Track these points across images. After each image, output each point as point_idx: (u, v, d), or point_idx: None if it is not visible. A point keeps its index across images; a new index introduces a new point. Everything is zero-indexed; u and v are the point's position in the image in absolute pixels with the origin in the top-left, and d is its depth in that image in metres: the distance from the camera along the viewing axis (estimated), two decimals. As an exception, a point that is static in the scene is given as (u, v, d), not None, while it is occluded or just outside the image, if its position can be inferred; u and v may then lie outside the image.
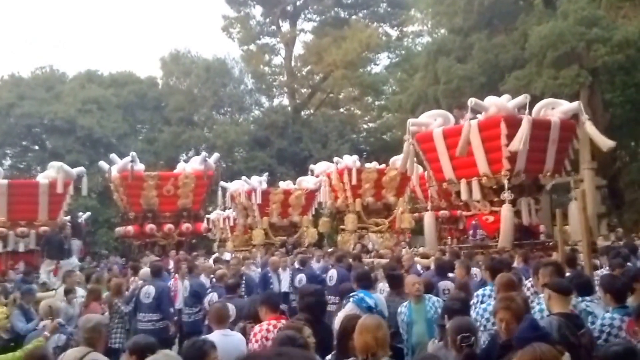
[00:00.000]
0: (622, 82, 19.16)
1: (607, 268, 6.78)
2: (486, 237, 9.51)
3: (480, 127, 9.19)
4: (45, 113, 26.44)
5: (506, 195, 9.14)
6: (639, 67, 17.52)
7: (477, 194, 9.40)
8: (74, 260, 11.49)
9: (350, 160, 15.45)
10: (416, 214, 15.81)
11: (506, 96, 9.92)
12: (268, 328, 4.06)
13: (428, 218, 10.77)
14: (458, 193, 9.95)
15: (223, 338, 4.09)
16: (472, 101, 9.12)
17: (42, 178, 13.59)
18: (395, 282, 5.49)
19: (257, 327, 4.16)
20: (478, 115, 9.60)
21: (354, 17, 32.42)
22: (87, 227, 16.58)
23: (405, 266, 7.96)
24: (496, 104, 9.39)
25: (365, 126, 32.65)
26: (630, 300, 4.09)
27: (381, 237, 14.84)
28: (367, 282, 5.22)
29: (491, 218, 9.45)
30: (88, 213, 16.67)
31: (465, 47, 18.98)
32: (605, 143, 9.91)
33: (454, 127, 9.79)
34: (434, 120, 10.09)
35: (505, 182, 9.16)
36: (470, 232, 9.82)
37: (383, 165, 15.69)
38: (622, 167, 20.14)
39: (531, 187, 9.80)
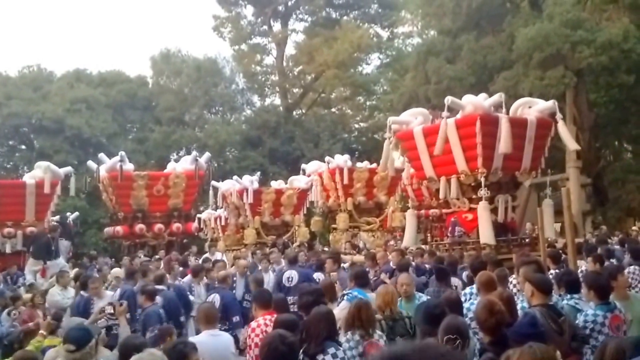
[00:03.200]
0: (606, 82, 19.51)
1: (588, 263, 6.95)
2: (464, 234, 9.55)
3: (457, 125, 9.23)
4: (32, 113, 26.16)
5: (482, 192, 9.16)
6: (622, 68, 17.84)
7: (455, 192, 9.47)
8: (61, 261, 11.37)
9: (342, 160, 15.58)
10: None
11: (483, 95, 9.99)
12: (265, 322, 4.22)
13: (409, 216, 10.86)
14: (438, 191, 10.01)
15: (211, 338, 4.16)
16: (448, 99, 9.18)
17: (29, 178, 13.44)
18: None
19: (253, 323, 4.30)
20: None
21: (345, 17, 32.58)
22: (76, 227, 16.47)
23: (380, 264, 8.03)
24: (473, 102, 9.41)
25: (356, 126, 32.85)
26: (611, 298, 4.19)
27: (372, 236, 14.99)
28: (362, 280, 5.34)
29: (470, 216, 9.48)
30: (76, 213, 16.55)
31: (454, 48, 19.21)
32: (573, 145, 10.08)
33: (433, 126, 9.74)
34: (414, 119, 10.05)
35: (482, 179, 9.18)
36: (449, 229, 9.87)
37: (374, 165, 15.83)
38: (606, 166, 20.55)
39: (508, 185, 9.87)
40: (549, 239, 9.91)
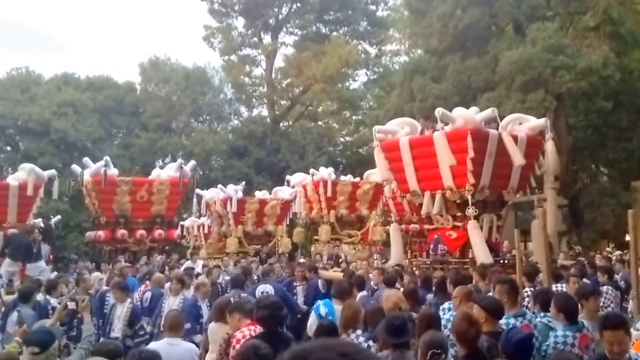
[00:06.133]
0: (584, 107, 20.11)
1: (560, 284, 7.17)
2: (447, 253, 9.06)
3: (446, 138, 8.71)
4: (19, 114, 25.98)
5: (470, 211, 8.68)
6: (600, 94, 18.41)
7: (439, 208, 8.92)
8: (41, 264, 11.23)
9: (326, 173, 15.80)
10: (388, 227, 16.21)
11: (474, 108, 9.50)
12: (250, 333, 4.15)
13: (394, 231, 10.33)
14: (421, 206, 9.42)
15: (168, 347, 4.12)
16: (439, 111, 8.66)
17: (13, 180, 13.41)
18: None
19: (238, 334, 4.22)
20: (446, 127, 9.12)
21: (334, 33, 33.10)
22: (58, 230, 16.35)
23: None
24: (464, 115, 8.88)
25: (342, 140, 33.20)
26: (581, 317, 4.30)
27: (354, 249, 15.16)
28: (339, 293, 5.41)
29: (454, 234, 8.98)
30: (58, 216, 16.45)
31: (439, 68, 19.61)
32: (555, 168, 9.70)
33: (421, 137, 9.28)
34: (401, 129, 9.49)
35: (469, 197, 8.68)
36: (432, 246, 9.28)
37: (358, 179, 16.09)
38: (582, 188, 20.98)
39: (495, 203, 9.39)
40: (531, 259, 9.74)
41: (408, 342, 3.55)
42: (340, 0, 31.66)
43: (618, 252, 13.73)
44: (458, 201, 8.99)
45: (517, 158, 8.70)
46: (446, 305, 5.26)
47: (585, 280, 7.28)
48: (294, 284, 8.19)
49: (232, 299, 5.45)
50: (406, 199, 10.28)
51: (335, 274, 8.99)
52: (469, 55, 19.57)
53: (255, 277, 9.41)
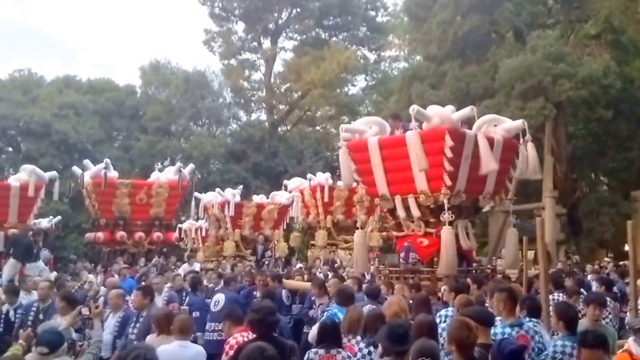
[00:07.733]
0: (584, 116, 20.07)
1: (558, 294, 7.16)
2: (418, 262, 8.31)
3: (421, 138, 7.95)
4: (20, 116, 26.10)
5: (446, 216, 7.97)
6: (601, 103, 18.37)
7: (414, 213, 8.25)
8: (40, 264, 11.26)
9: (323, 178, 15.86)
10: (384, 233, 16.22)
11: (450, 107, 8.82)
12: (244, 340, 4.10)
13: (358, 237, 9.34)
14: (391, 211, 8.73)
15: (179, 349, 4.19)
16: (414, 109, 7.95)
17: (14, 180, 13.54)
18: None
19: (232, 340, 4.21)
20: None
21: (334, 38, 33.23)
22: (57, 231, 16.41)
23: (331, 292, 6.90)
24: (440, 114, 8.20)
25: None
26: (581, 322, 4.35)
27: (350, 254, 15.15)
28: (342, 299, 5.43)
29: (426, 241, 8.27)
30: (59, 217, 16.49)
31: (438, 75, 19.60)
32: (535, 171, 8.76)
33: (392, 137, 8.60)
34: (369, 128, 8.78)
35: (445, 201, 7.98)
36: (402, 254, 8.45)
37: (355, 184, 16.08)
38: (581, 197, 20.91)
39: (469, 209, 8.74)
40: (500, 269, 9.46)
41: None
42: (340, 6, 31.79)
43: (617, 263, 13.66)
44: (432, 206, 8.29)
45: (490, 163, 8.03)
46: (443, 312, 5.26)
47: (582, 291, 7.29)
48: (254, 293, 7.55)
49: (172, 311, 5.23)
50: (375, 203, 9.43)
51: (301, 283, 8.30)
52: (468, 62, 19.57)
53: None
